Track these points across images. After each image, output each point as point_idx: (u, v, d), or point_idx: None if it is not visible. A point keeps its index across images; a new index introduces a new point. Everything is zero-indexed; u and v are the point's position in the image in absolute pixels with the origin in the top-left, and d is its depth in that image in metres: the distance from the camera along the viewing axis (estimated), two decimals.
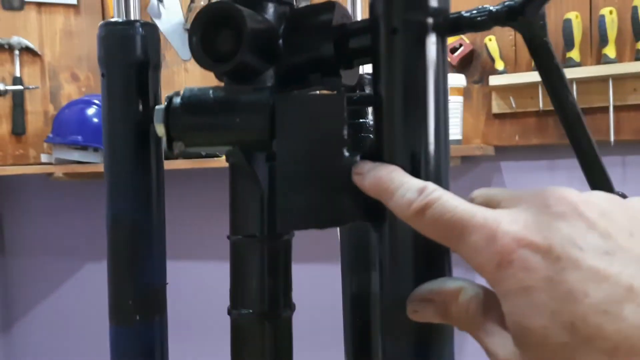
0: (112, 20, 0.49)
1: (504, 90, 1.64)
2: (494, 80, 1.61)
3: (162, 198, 0.51)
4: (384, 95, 0.38)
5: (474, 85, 1.71)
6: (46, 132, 2.01)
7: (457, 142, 1.61)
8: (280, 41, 0.43)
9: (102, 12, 2.14)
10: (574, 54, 1.54)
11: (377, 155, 0.39)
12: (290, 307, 0.46)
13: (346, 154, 0.38)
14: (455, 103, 1.58)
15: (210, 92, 0.41)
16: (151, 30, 0.50)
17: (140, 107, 0.49)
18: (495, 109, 1.68)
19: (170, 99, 0.41)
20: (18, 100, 2.02)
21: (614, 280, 0.25)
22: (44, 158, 2.01)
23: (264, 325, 0.44)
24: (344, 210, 0.38)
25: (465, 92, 1.67)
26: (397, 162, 0.37)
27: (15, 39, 2.02)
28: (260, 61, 0.42)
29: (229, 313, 0.45)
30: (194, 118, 0.41)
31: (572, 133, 0.44)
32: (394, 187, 0.33)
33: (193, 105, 0.41)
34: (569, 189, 0.28)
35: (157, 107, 0.41)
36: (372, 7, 0.39)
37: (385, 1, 0.37)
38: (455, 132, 1.60)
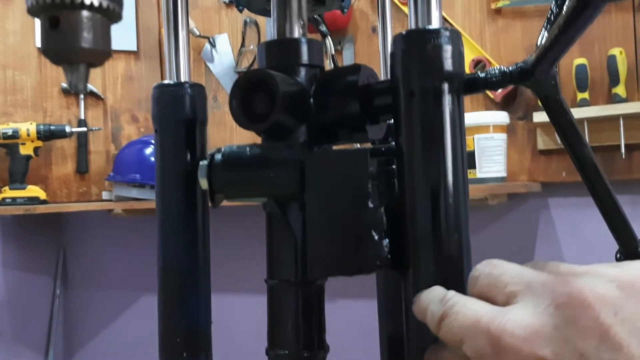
0: (165, 82, 0.54)
1: (549, 126, 1.63)
2: (538, 117, 1.60)
3: (207, 243, 0.55)
4: (404, 149, 0.42)
5: (519, 121, 1.71)
6: (107, 171, 2.12)
7: (502, 179, 1.60)
8: (311, 100, 0.47)
9: (160, 58, 2.26)
10: (620, 90, 1.53)
11: (400, 205, 0.42)
12: (324, 348, 0.49)
13: (370, 205, 0.42)
14: (498, 140, 1.59)
15: (247, 149, 0.45)
16: (199, 90, 0.54)
17: (189, 159, 0.53)
18: (541, 145, 1.67)
19: (212, 156, 0.46)
20: (82, 141, 2.14)
21: None
22: (105, 195, 2.11)
23: None
24: (370, 259, 0.42)
25: (510, 129, 1.67)
26: (417, 210, 0.40)
27: None
28: (293, 119, 0.46)
29: (267, 353, 0.49)
30: (233, 173, 0.45)
31: (590, 183, 0.47)
32: (425, 306, 0.33)
33: (232, 161, 0.45)
34: (580, 279, 0.26)
35: (200, 163, 0.46)
36: (392, 70, 0.42)
37: (403, 67, 0.41)
38: (499, 169, 1.59)
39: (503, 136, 1.60)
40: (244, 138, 2.07)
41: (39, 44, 1.98)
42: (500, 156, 1.59)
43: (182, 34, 0.54)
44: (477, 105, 1.73)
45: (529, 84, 0.44)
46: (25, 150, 1.98)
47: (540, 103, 0.44)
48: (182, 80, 0.55)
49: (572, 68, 1.59)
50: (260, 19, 2.08)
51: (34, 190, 1.99)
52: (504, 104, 1.70)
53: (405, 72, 0.41)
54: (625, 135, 1.52)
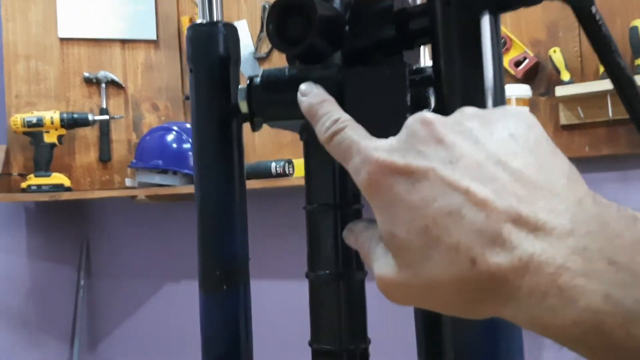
0: (198, 22, 0.55)
1: (571, 100, 1.63)
2: (560, 91, 1.59)
3: (243, 179, 0.55)
4: (442, 68, 0.42)
5: (540, 97, 1.70)
6: (129, 159, 2.14)
7: None
8: (347, 26, 0.48)
9: (179, 47, 2.28)
10: None
11: None
12: (362, 270, 0.49)
13: None
14: None
15: (286, 70, 0.46)
16: (231, 30, 0.55)
17: (224, 97, 0.54)
18: (563, 120, 1.66)
19: (251, 79, 0.47)
20: (104, 130, 2.17)
21: (455, 185, 0.28)
22: (128, 182, 2.13)
23: (339, 283, 0.48)
24: None
25: (532, 105, 1.67)
26: None
27: (102, 74, 2.19)
28: (328, 45, 0.47)
29: (307, 276, 0.49)
30: (272, 94, 0.46)
31: (626, 97, 0.47)
32: (320, 114, 0.38)
33: (271, 82, 0.46)
34: (433, 113, 0.32)
35: (240, 86, 0.47)
36: None
37: None
38: None
39: (526, 110, 1.60)
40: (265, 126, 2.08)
41: (61, 34, 2.02)
42: None
43: None
44: None
45: None
46: (50, 138, 2.01)
47: (574, 15, 0.44)
48: (215, 20, 0.56)
49: None
50: None
51: (58, 178, 2.02)
52: (525, 80, 1.70)
53: None
54: None
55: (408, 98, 0.42)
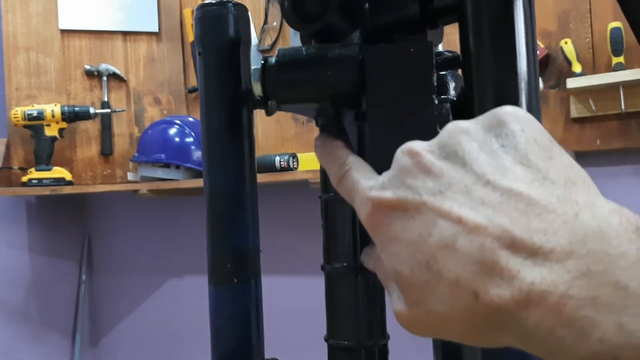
0: (207, 2, 0.52)
1: (582, 93, 1.60)
2: (571, 83, 1.57)
3: (254, 169, 0.53)
4: (472, 50, 0.39)
5: (551, 90, 1.67)
6: (131, 153, 2.12)
7: None
8: (367, 4, 0.45)
9: (182, 39, 2.25)
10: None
11: (468, 104, 0.40)
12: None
13: (436, 101, 0.40)
14: None
15: (303, 49, 0.43)
16: (242, 11, 0.53)
17: (234, 81, 0.51)
18: (574, 113, 1.64)
19: (265, 59, 0.44)
20: (106, 123, 2.14)
21: (447, 216, 0.27)
22: (130, 176, 2.10)
23: (357, 276, 0.45)
24: None
25: (542, 97, 1.64)
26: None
27: (103, 66, 2.16)
28: (347, 22, 0.44)
29: (323, 269, 0.47)
30: (288, 75, 0.43)
31: None
32: (329, 162, 0.39)
33: (287, 62, 0.43)
34: (419, 142, 0.31)
35: (253, 67, 0.44)
36: None
37: None
38: None
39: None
40: (269, 120, 2.06)
41: (62, 25, 1.99)
42: None
43: None
44: None
45: None
46: (50, 131, 1.98)
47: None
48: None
49: (607, 32, 1.55)
50: None
51: (59, 172, 2.00)
52: None
53: None
54: None
55: (434, 78, 0.40)
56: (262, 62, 0.44)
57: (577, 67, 1.59)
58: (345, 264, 0.45)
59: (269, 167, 1.81)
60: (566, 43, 1.61)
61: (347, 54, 0.42)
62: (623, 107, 1.54)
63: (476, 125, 0.30)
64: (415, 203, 0.29)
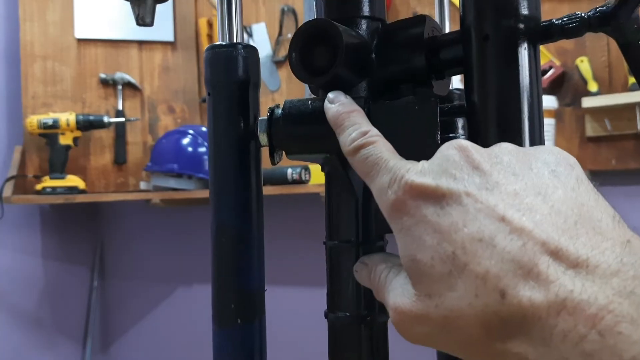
0: (217, 43, 0.53)
1: (598, 112, 1.59)
2: (587, 102, 1.56)
3: (261, 208, 0.53)
4: (477, 102, 0.39)
5: (566, 108, 1.66)
6: (145, 161, 2.13)
7: None
8: (373, 55, 0.45)
9: (197, 48, 2.27)
10: None
11: None
12: (386, 312, 0.47)
13: None
14: (547, 125, 1.55)
15: (309, 103, 0.43)
16: (252, 52, 0.53)
17: (242, 122, 0.52)
18: (590, 132, 1.62)
19: (272, 110, 0.44)
20: (120, 132, 2.16)
21: (490, 211, 0.26)
22: (142, 185, 2.12)
23: (360, 327, 0.45)
24: None
25: (557, 115, 1.63)
26: None
27: (118, 75, 2.18)
28: (354, 74, 0.44)
29: (326, 316, 0.47)
30: (294, 127, 0.43)
31: None
32: (347, 124, 0.37)
33: (293, 115, 0.43)
34: (469, 142, 0.31)
35: (260, 118, 0.45)
36: (463, 18, 0.40)
37: (476, 9, 0.39)
38: None
39: (551, 121, 1.56)
40: None
41: (78, 34, 2.01)
42: (549, 142, 1.55)
43: None
44: None
45: (609, 29, 0.41)
46: (65, 140, 2.00)
47: (620, 50, 0.41)
48: (235, 41, 0.53)
49: None
50: (298, 7, 2.07)
51: (73, 180, 2.02)
52: (550, 90, 1.66)
53: (478, 14, 0.39)
54: None
55: (439, 137, 0.40)
56: (269, 113, 0.44)
57: (593, 86, 1.58)
58: (348, 314, 0.45)
59: (281, 180, 1.82)
60: (582, 61, 1.60)
61: None
62: (639, 127, 1.53)
63: (529, 150, 0.30)
64: (456, 191, 0.28)
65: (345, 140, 0.36)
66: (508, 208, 0.26)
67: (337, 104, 0.38)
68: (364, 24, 0.46)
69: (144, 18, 0.31)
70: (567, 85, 1.66)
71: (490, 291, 0.25)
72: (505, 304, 0.25)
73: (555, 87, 1.67)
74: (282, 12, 2.08)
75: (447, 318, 0.27)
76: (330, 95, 0.39)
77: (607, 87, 1.60)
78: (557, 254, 0.24)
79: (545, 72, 1.64)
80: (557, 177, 0.28)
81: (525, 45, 0.39)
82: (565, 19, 0.40)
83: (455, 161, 0.29)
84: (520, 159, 0.29)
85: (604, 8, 0.40)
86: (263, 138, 0.44)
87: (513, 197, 0.27)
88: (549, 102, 1.58)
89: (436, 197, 0.28)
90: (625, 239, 0.25)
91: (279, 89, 2.04)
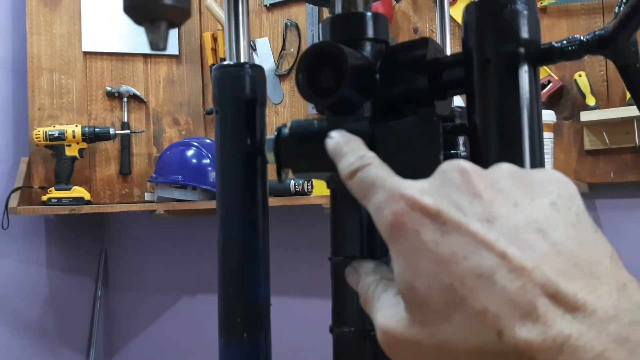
0: (225, 63, 0.54)
1: (596, 126, 1.60)
2: (585, 116, 1.57)
3: (267, 223, 0.54)
4: (478, 123, 0.41)
5: (564, 121, 1.68)
6: (150, 173, 2.15)
7: None
8: (377, 76, 0.46)
9: (201, 62, 2.29)
10: None
11: None
12: None
13: None
14: (545, 139, 1.56)
15: (315, 122, 0.45)
16: (258, 72, 0.54)
17: (249, 140, 0.53)
18: (588, 146, 1.63)
19: (279, 130, 0.46)
20: (125, 143, 2.17)
21: (490, 246, 0.26)
22: (147, 196, 2.13)
23: (365, 342, 0.46)
24: None
25: (556, 129, 1.64)
26: None
27: (124, 88, 2.20)
28: (359, 95, 0.46)
29: (331, 331, 0.48)
30: (301, 146, 0.45)
31: None
32: (345, 151, 0.36)
33: (300, 134, 0.45)
34: (470, 163, 0.30)
35: (267, 137, 0.46)
36: (464, 41, 0.41)
37: (478, 34, 0.40)
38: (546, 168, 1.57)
39: (550, 135, 1.57)
40: None
41: (85, 48, 2.03)
42: (547, 155, 1.56)
43: (242, 15, 0.54)
44: None
45: (607, 53, 0.42)
46: (71, 151, 2.02)
47: (619, 73, 0.42)
48: (242, 61, 0.55)
49: None
50: (301, 22, 2.09)
51: (78, 191, 2.03)
52: (549, 104, 1.67)
53: (479, 39, 0.40)
54: None
55: (441, 157, 0.41)
56: (276, 132, 0.46)
57: (591, 100, 1.59)
58: (353, 329, 0.46)
59: (284, 191, 1.83)
60: (580, 76, 1.61)
61: (358, 129, 0.43)
62: (637, 141, 1.54)
63: (530, 175, 0.30)
64: (457, 220, 0.27)
65: (342, 165, 0.36)
66: (509, 244, 0.26)
67: (337, 137, 0.38)
68: (368, 46, 0.47)
69: (157, 44, 0.32)
70: (565, 99, 1.68)
71: (488, 329, 0.25)
72: (503, 343, 0.25)
73: (553, 101, 1.68)
74: (285, 26, 2.10)
75: (441, 349, 0.27)
76: (332, 133, 0.39)
77: (605, 102, 1.62)
78: (555, 297, 0.25)
79: (544, 86, 1.65)
80: (557, 212, 0.28)
81: (526, 67, 0.40)
82: (564, 42, 0.41)
83: (457, 185, 0.29)
84: (521, 186, 0.29)
85: (602, 32, 0.41)
86: (270, 156, 0.45)
87: (514, 233, 0.26)
88: (548, 116, 1.58)
89: (437, 222, 0.28)
90: (622, 282, 0.26)
91: (282, 101, 2.06)
